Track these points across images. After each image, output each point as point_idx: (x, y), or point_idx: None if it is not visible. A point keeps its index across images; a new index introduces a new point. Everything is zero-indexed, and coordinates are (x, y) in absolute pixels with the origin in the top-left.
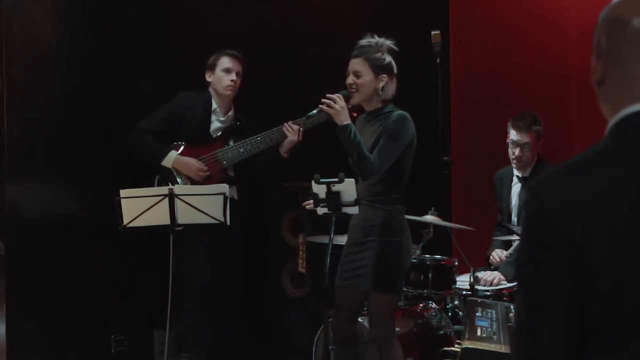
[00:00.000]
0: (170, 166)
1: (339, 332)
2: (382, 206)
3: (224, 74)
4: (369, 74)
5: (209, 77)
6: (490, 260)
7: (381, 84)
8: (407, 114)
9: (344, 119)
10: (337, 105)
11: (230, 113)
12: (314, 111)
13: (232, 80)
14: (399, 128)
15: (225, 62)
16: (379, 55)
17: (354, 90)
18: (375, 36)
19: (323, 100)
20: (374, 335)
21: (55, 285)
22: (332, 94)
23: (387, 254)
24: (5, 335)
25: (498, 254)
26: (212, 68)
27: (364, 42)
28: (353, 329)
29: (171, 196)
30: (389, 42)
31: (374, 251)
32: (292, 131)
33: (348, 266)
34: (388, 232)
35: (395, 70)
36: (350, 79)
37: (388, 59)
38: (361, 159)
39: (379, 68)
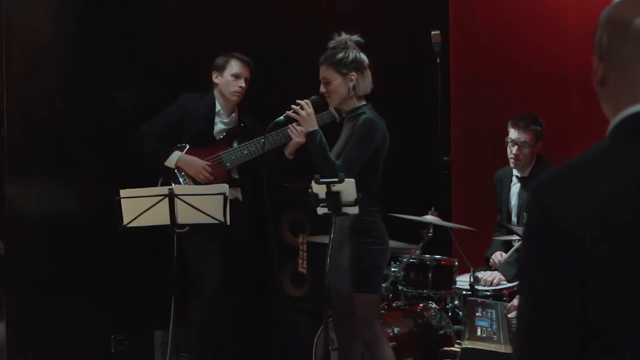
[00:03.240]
0: (173, 166)
1: (338, 331)
2: None
3: (232, 79)
4: (335, 77)
5: (215, 78)
6: (490, 263)
7: (351, 83)
8: (373, 118)
9: (311, 125)
10: (303, 112)
11: (234, 115)
12: (281, 117)
13: (240, 87)
14: (364, 133)
15: (235, 66)
16: (341, 55)
17: (327, 97)
18: (343, 33)
19: (292, 106)
20: (361, 337)
21: (55, 285)
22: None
23: (361, 256)
24: (5, 335)
25: (498, 258)
26: (221, 70)
27: (330, 44)
28: (350, 329)
29: (171, 196)
30: (354, 38)
31: (348, 254)
32: (296, 133)
33: (331, 266)
34: (359, 234)
35: (365, 64)
36: (322, 87)
37: (352, 54)
38: (325, 164)
39: (344, 68)
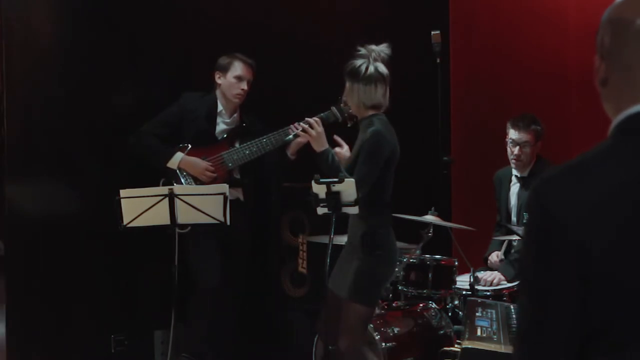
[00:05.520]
0: (176, 167)
1: (321, 333)
2: (365, 219)
3: (235, 81)
4: (346, 85)
5: (218, 79)
6: (489, 264)
7: (345, 92)
8: (381, 130)
9: (321, 144)
10: (312, 131)
11: (235, 115)
12: (290, 136)
13: (242, 89)
14: (374, 147)
15: (238, 68)
16: (348, 64)
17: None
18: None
19: (301, 124)
20: (340, 343)
21: (55, 285)
22: (328, 105)
23: (366, 269)
24: (5, 335)
25: (494, 258)
26: (224, 71)
27: None
28: (334, 334)
29: (171, 196)
30: (369, 47)
31: (356, 262)
32: (299, 133)
33: (336, 269)
34: (369, 245)
35: (359, 75)
36: None
37: (353, 64)
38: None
39: (346, 76)
